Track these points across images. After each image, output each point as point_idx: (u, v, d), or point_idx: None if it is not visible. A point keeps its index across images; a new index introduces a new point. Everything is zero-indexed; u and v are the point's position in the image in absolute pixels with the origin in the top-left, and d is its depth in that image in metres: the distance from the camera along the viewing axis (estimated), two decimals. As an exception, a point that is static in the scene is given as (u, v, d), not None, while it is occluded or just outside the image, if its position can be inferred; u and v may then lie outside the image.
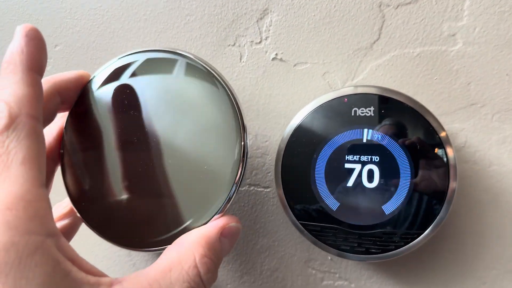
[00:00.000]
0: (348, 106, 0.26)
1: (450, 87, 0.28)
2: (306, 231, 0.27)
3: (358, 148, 0.25)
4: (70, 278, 0.19)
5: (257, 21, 0.31)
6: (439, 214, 0.25)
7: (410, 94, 0.29)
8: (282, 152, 0.27)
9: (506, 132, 0.28)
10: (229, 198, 0.23)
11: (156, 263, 0.22)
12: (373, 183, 0.25)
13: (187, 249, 0.22)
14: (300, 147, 0.26)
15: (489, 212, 0.28)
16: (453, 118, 0.28)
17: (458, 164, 0.27)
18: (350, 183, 0.26)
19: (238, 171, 0.23)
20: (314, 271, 0.31)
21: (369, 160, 0.25)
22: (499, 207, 0.28)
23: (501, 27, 0.27)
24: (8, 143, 0.19)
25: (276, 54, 0.31)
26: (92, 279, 0.20)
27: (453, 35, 0.28)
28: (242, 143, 0.23)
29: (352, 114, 0.26)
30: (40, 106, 0.20)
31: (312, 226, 0.26)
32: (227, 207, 0.24)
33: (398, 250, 0.25)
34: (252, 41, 0.31)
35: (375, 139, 0.25)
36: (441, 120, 0.28)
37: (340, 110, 0.26)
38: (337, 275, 0.31)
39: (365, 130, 0.25)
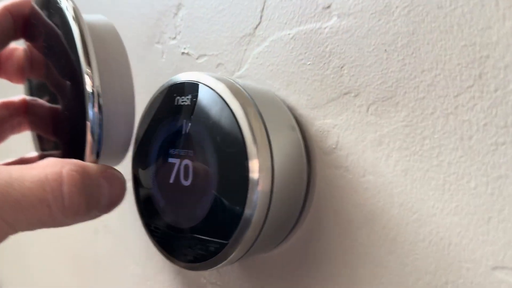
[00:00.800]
0: (171, 95, 0.23)
1: (323, 73, 0.22)
2: (146, 229, 0.25)
3: (177, 140, 0.23)
4: None
5: (173, 16, 0.31)
6: (240, 223, 0.20)
7: (285, 83, 0.24)
8: (136, 143, 0.26)
9: (384, 129, 0.20)
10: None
11: None
12: (188, 180, 0.22)
13: (58, 160, 0.20)
14: (144, 138, 0.25)
15: (361, 239, 0.21)
16: (325, 112, 0.22)
17: (327, 169, 0.22)
18: (171, 179, 0.23)
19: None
20: (204, 281, 0.28)
21: (185, 154, 0.22)
22: (374, 233, 0.20)
23: (377, -12, 0.20)
24: None
25: (184, 49, 0.30)
26: None
27: (328, 7, 0.22)
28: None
29: (175, 103, 0.23)
30: None
31: (148, 224, 0.25)
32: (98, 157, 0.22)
33: (210, 260, 0.21)
34: (169, 37, 0.31)
35: (191, 131, 0.22)
36: (313, 114, 0.23)
37: (167, 99, 0.24)
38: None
39: (184, 121, 0.23)
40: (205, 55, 0.28)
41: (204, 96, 0.22)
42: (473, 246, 0.18)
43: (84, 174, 0.20)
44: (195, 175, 0.22)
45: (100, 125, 0.21)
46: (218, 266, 0.21)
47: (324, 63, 0.22)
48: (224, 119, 0.21)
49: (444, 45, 0.18)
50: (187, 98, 0.23)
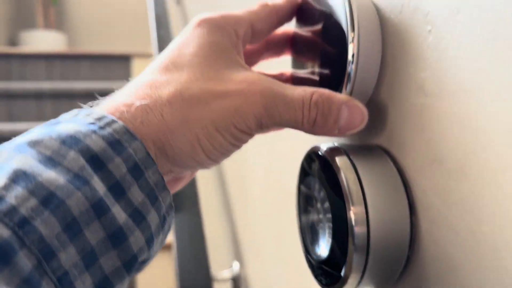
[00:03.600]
0: (307, 162, 0.32)
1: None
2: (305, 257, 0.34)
3: (313, 193, 0.31)
4: (235, 56, 0.28)
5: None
6: (347, 257, 0.27)
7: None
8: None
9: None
10: None
11: None
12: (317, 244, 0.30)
13: (315, 88, 0.28)
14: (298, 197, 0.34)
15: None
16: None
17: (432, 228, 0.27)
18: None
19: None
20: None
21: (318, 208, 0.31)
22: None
23: None
24: None
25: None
26: (245, 65, 0.29)
27: None
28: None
29: (307, 173, 0.31)
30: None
31: (305, 255, 0.34)
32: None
33: (335, 286, 0.29)
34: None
35: (318, 191, 0.30)
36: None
37: (303, 167, 0.32)
38: None
39: (313, 181, 0.31)
40: None
41: (324, 168, 0.30)
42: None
43: (326, 99, 0.27)
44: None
45: (355, 72, 0.28)
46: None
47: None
48: (334, 185, 0.28)
49: None
50: (317, 164, 0.31)
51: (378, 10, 0.31)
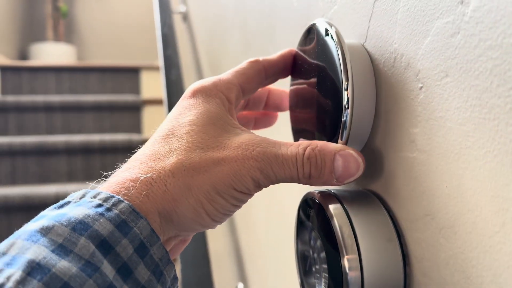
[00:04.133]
0: (305, 210, 0.32)
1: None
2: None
3: (309, 238, 0.32)
4: (230, 120, 0.30)
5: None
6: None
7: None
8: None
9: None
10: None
11: None
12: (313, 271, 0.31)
13: (309, 141, 0.28)
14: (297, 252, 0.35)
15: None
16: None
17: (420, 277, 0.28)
18: (307, 267, 0.32)
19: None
20: None
21: (314, 245, 0.31)
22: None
23: None
24: None
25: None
26: (241, 127, 0.30)
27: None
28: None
29: (306, 218, 0.32)
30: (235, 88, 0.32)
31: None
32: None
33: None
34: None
35: (315, 237, 0.31)
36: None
37: (301, 214, 0.33)
38: None
39: (310, 229, 0.31)
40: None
41: (318, 215, 0.30)
42: None
43: (318, 152, 0.28)
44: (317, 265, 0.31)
45: (351, 119, 0.29)
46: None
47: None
48: (328, 232, 0.29)
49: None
50: (312, 211, 0.31)
51: (372, 60, 0.31)
